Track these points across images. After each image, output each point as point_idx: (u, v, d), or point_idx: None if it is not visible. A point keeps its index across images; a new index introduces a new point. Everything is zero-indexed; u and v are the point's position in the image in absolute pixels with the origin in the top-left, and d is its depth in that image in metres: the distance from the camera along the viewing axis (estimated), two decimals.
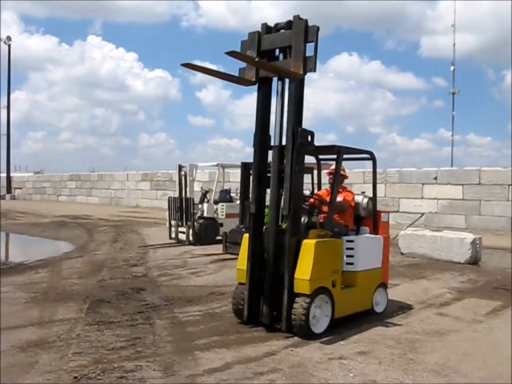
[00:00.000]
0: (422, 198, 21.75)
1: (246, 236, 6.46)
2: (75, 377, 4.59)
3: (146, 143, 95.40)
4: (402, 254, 12.72)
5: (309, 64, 5.97)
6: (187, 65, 5.66)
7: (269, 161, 6.42)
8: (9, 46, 47.03)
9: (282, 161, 6.14)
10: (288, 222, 6.03)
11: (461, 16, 62.98)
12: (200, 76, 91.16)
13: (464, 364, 5.22)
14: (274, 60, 6.41)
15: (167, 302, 7.60)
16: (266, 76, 6.31)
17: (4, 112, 48.61)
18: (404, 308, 7.52)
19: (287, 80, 6.24)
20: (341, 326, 6.30)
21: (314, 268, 5.91)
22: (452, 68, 40.87)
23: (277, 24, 6.39)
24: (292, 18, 6.15)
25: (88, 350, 5.36)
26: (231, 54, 5.37)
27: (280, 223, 6.27)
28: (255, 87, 6.39)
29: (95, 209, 31.37)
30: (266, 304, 6.13)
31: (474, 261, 11.84)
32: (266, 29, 6.40)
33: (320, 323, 6.07)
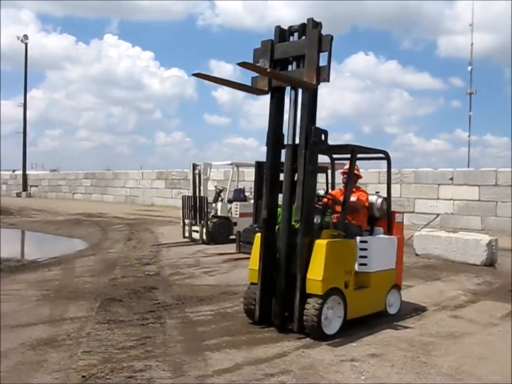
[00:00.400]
0: (438, 198, 21.54)
1: (258, 235, 6.40)
2: (83, 377, 4.56)
3: (162, 142, 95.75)
4: (417, 255, 12.58)
5: (323, 74, 5.89)
6: (198, 75, 5.67)
7: (282, 160, 6.35)
8: (26, 44, 47.38)
9: (295, 160, 6.07)
10: (300, 222, 5.96)
11: (479, 15, 62.50)
12: (216, 74, 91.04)
13: (478, 367, 5.12)
14: (287, 69, 6.35)
15: (179, 301, 7.57)
16: (279, 85, 6.25)
17: (21, 110, 49.00)
18: (417, 309, 7.42)
19: (300, 89, 6.18)
20: (353, 328, 6.22)
21: (327, 268, 5.84)
22: (469, 68, 40.63)
23: (290, 27, 6.33)
24: (306, 21, 6.10)
25: (97, 349, 5.34)
26: (243, 65, 5.34)
27: (292, 223, 6.20)
28: None
29: (110, 207, 31.45)
30: (278, 304, 6.07)
31: (490, 263, 11.67)
32: (280, 32, 6.34)
33: (332, 324, 6.00)
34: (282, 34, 6.35)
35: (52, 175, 49.88)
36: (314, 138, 5.87)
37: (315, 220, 6.27)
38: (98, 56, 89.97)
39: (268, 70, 5.92)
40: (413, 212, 21.05)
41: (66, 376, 4.61)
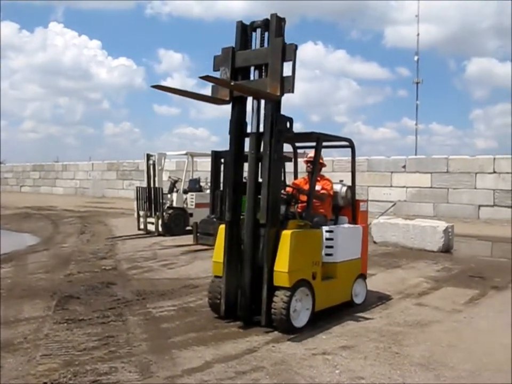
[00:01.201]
0: (391, 186, 21.86)
1: (222, 227, 6.21)
2: (44, 383, 4.28)
3: (111, 132, 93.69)
4: (375, 242, 12.63)
5: (287, 85, 5.68)
6: (157, 87, 5.47)
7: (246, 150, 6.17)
8: None
9: (260, 149, 5.89)
10: (266, 213, 5.78)
11: (425, 6, 63.44)
12: (165, 64, 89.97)
13: (449, 356, 5.08)
14: (249, 77, 6.15)
15: (139, 296, 7.30)
16: (240, 95, 6.03)
17: None
18: (382, 298, 7.39)
19: (263, 100, 6.01)
20: (321, 319, 6.12)
21: (294, 259, 5.70)
22: (415, 58, 41.08)
23: (253, 23, 6.11)
24: (268, 16, 5.93)
25: (57, 352, 5.04)
26: (206, 78, 5.15)
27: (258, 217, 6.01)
28: None
29: (59, 200, 30.67)
30: (244, 298, 5.89)
31: (446, 249, 11.85)
32: (242, 28, 6.11)
33: (300, 317, 5.87)
34: (244, 30, 6.13)
35: None
36: (279, 126, 5.70)
37: (280, 210, 6.11)
38: (43, 44, 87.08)
39: (232, 83, 5.69)
40: (366, 200, 21.18)
41: (26, 383, 4.32)
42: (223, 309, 6.05)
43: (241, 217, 6.11)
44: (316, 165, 6.35)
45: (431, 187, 20.70)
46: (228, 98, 6.00)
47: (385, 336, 5.66)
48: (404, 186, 21.42)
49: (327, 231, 6.45)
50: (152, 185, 14.60)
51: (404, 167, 21.52)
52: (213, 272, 6.39)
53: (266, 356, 4.99)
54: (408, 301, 7.27)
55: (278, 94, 5.67)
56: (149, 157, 14.76)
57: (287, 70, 5.73)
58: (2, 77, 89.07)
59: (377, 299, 7.32)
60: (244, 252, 5.94)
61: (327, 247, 6.43)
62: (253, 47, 6.14)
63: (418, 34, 39.91)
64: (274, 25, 5.84)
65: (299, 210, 6.59)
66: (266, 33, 6.00)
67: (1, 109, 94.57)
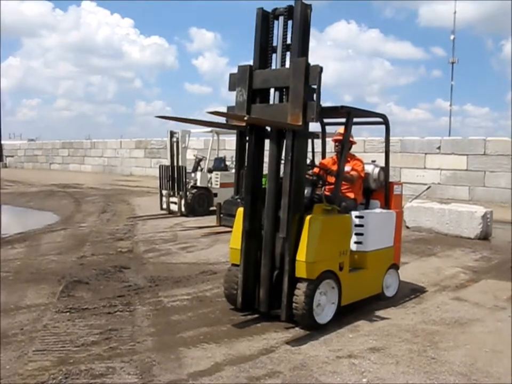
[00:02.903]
0: (425, 168, 20.95)
1: (241, 209, 5.62)
2: None
3: (142, 111, 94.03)
4: (407, 227, 11.90)
5: (310, 113, 5.02)
6: (162, 117, 5.10)
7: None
8: None
9: None
10: (289, 195, 5.16)
11: None
12: (197, 43, 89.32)
13: (494, 364, 4.42)
14: (268, 100, 5.47)
15: (152, 283, 6.80)
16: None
17: None
18: (416, 291, 6.74)
19: None
20: (348, 314, 5.53)
21: (320, 248, 5.10)
22: (452, 37, 39.71)
23: (275, 10, 5.42)
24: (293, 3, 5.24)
25: (53, 347, 4.56)
26: (215, 113, 4.58)
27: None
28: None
29: (87, 177, 30.48)
30: (264, 289, 5.29)
31: (484, 236, 11.06)
32: (262, 16, 5.41)
33: (325, 312, 5.28)
34: (266, 18, 5.44)
35: (28, 144, 48.44)
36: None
37: (305, 193, 5.50)
38: (76, 23, 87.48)
39: (245, 118, 4.99)
40: (401, 183, 20.39)
41: None
42: (240, 301, 5.48)
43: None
44: (345, 143, 5.69)
45: (466, 170, 19.75)
46: (244, 124, 5.36)
47: (419, 336, 5.02)
48: (438, 169, 20.50)
49: (356, 217, 5.82)
50: (175, 163, 14.07)
51: (439, 148, 20.57)
52: (230, 259, 5.83)
53: (284, 357, 4.41)
54: (444, 295, 6.60)
55: (300, 123, 5.00)
56: (172, 134, 14.21)
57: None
58: (37, 56, 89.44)
59: (410, 291, 6.68)
60: (264, 239, 5.34)
61: (356, 234, 5.81)
62: (275, 36, 5.46)
63: (455, 12, 38.56)
64: (299, 13, 5.15)
65: (326, 193, 5.97)
66: (290, 21, 5.32)
67: (35, 87, 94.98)
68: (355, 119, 6.02)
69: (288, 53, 5.34)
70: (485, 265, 8.49)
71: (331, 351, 4.59)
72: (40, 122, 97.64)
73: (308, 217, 5.20)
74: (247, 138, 5.51)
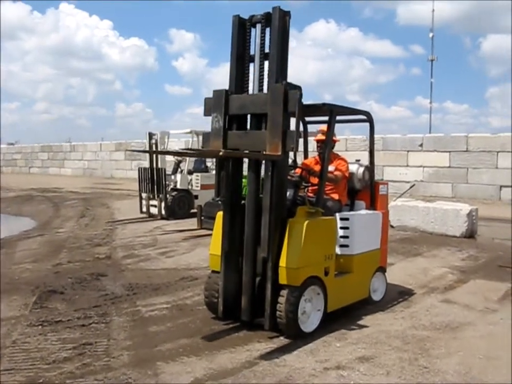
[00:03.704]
0: (407, 165, 20.88)
1: (220, 213, 5.36)
2: None
3: (123, 113, 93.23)
4: (392, 227, 11.68)
5: (289, 142, 4.74)
6: (132, 150, 4.67)
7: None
8: None
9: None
10: (270, 197, 4.91)
11: None
12: (176, 44, 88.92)
13: (490, 372, 4.21)
14: (245, 127, 5.19)
15: (130, 291, 6.52)
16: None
17: None
18: (404, 293, 6.53)
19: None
20: (334, 321, 5.29)
21: (304, 253, 4.85)
22: (430, 35, 39.93)
23: (252, 17, 5.15)
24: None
25: (22, 365, 4.26)
26: (188, 153, 4.34)
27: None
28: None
29: (67, 181, 30.03)
30: (246, 297, 5.04)
31: (470, 234, 10.92)
32: (239, 23, 5.13)
33: (310, 319, 5.04)
34: (243, 25, 5.17)
35: (7, 148, 47.65)
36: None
37: (287, 195, 5.25)
38: (55, 26, 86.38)
39: (221, 153, 4.73)
40: (381, 180, 20.25)
41: None
42: (221, 310, 5.22)
43: (243, 201, 5.25)
44: (328, 142, 5.46)
45: (449, 167, 19.70)
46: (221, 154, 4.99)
47: (410, 343, 4.80)
48: (420, 166, 20.42)
49: (341, 219, 5.59)
50: (154, 165, 13.76)
51: (421, 145, 20.49)
52: (210, 266, 5.57)
53: (268, 371, 4.16)
54: (433, 297, 6.40)
55: (279, 153, 4.71)
56: (151, 136, 13.90)
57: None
58: (15, 59, 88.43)
59: (398, 294, 6.46)
60: (245, 243, 5.09)
61: (341, 237, 5.58)
62: (252, 45, 5.18)
63: (433, 11, 38.75)
64: (277, 20, 4.89)
65: (310, 194, 5.74)
66: (268, 29, 5.06)
67: (15, 90, 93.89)
68: (338, 117, 5.81)
69: (266, 62, 5.06)
70: (472, 265, 8.32)
71: (318, 362, 4.35)
72: (21, 126, 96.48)
73: (290, 220, 4.97)
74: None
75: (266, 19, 5.03)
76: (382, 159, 20.94)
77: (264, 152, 4.82)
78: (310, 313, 5.04)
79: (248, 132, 5.13)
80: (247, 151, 5.06)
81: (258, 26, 5.12)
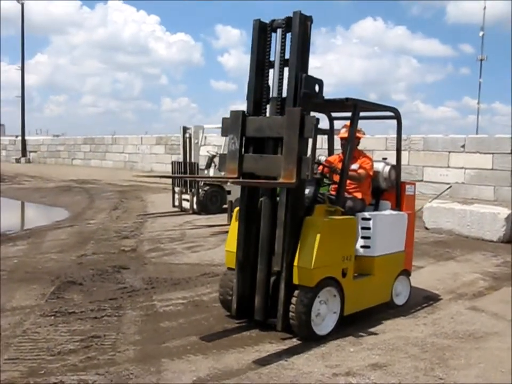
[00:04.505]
0: (448, 167, 20.26)
1: (237, 209, 5.24)
2: None
3: (168, 107, 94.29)
4: (426, 229, 11.39)
5: (304, 170, 4.55)
6: (140, 176, 4.63)
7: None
8: (22, 5, 45.44)
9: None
10: (286, 193, 4.75)
11: None
12: (222, 40, 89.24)
13: None
14: (263, 150, 4.99)
15: (149, 285, 6.46)
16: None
17: (19, 74, 47.31)
18: (429, 299, 6.26)
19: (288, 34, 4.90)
20: (352, 324, 5.09)
21: (320, 253, 4.66)
22: (481, 33, 38.79)
23: (272, 22, 4.97)
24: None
25: (27, 355, 4.23)
26: (202, 178, 4.23)
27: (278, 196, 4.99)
28: None
29: (107, 173, 30.34)
30: (259, 296, 4.90)
31: (508, 240, 10.46)
32: (259, 27, 4.96)
33: (325, 322, 4.86)
34: (263, 30, 4.99)
35: (51, 140, 48.57)
36: (305, 89, 4.64)
37: (307, 192, 5.08)
38: (103, 20, 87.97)
39: (231, 181, 4.71)
40: (421, 181, 19.75)
41: None
42: (235, 308, 5.09)
43: (261, 199, 5.10)
44: (351, 138, 5.26)
45: (492, 169, 19.02)
46: (236, 175, 4.94)
47: (428, 351, 4.56)
48: (462, 168, 19.80)
49: (363, 219, 5.38)
50: (188, 160, 13.72)
51: (463, 146, 19.88)
52: (225, 263, 5.45)
53: (275, 373, 4.00)
54: (460, 304, 6.12)
55: (293, 180, 4.53)
56: (185, 130, 13.87)
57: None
58: (64, 53, 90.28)
59: (423, 299, 6.20)
60: (261, 241, 4.94)
61: (363, 237, 5.37)
62: (273, 50, 5.02)
63: (485, 8, 37.55)
64: (297, 26, 4.72)
65: (332, 192, 5.55)
66: (288, 34, 4.88)
67: (62, 83, 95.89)
68: (365, 114, 5.61)
69: (286, 68, 4.88)
70: (506, 271, 7.94)
71: (328, 367, 4.16)
72: (67, 119, 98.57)
73: (307, 219, 4.80)
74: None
75: (287, 24, 4.85)
76: (423, 160, 20.45)
77: (278, 181, 4.68)
78: (325, 316, 4.86)
79: (263, 156, 4.96)
80: (259, 180, 4.95)
81: (279, 31, 4.95)
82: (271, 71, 5.03)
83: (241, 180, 4.96)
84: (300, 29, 4.72)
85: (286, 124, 4.64)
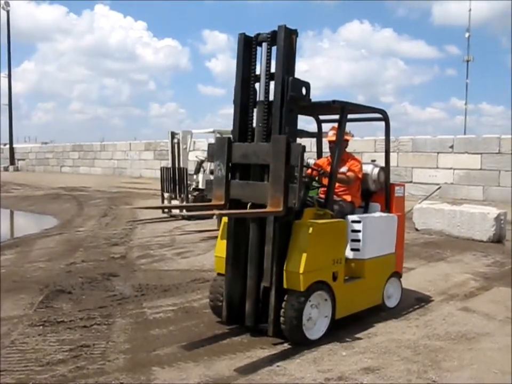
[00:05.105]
0: (437, 167, 20.35)
1: (225, 218, 5.21)
2: None
3: (157, 113, 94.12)
4: (417, 230, 11.41)
5: (291, 198, 4.52)
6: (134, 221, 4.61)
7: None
8: (8, 12, 45.29)
9: (269, 121, 4.82)
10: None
11: None
12: (210, 44, 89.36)
13: None
14: (249, 177, 4.99)
15: (139, 292, 6.40)
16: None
17: (6, 82, 47.08)
18: (421, 300, 6.25)
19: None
20: (343, 328, 5.06)
21: (310, 257, 4.64)
22: (466, 35, 39.11)
23: (258, 36, 4.94)
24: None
25: (15, 366, 4.16)
26: (186, 213, 4.24)
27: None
28: None
29: (96, 180, 30.20)
30: (250, 301, 4.86)
31: (498, 239, 10.51)
32: (245, 41, 4.94)
33: (317, 326, 4.83)
34: (248, 43, 4.96)
35: (39, 148, 48.31)
36: (292, 92, 4.61)
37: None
38: (90, 27, 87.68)
39: (216, 213, 4.75)
40: (411, 182, 19.84)
41: None
42: (225, 314, 5.05)
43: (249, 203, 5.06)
44: (339, 141, 5.24)
45: (480, 169, 19.13)
46: (223, 202, 4.93)
47: (420, 354, 4.54)
48: (451, 168, 19.90)
49: (353, 221, 5.36)
50: (177, 165, 13.67)
51: (452, 147, 19.97)
52: (215, 268, 5.41)
53: (266, 380, 3.96)
54: (452, 305, 6.11)
55: (280, 209, 4.50)
56: (173, 135, 13.85)
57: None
58: (51, 60, 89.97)
59: (415, 301, 6.19)
60: (250, 246, 4.91)
61: (353, 240, 5.35)
62: (258, 65, 4.98)
63: (470, 10, 37.88)
64: (282, 39, 4.68)
65: (322, 196, 5.52)
66: (274, 48, 4.85)
67: (50, 90, 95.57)
68: (353, 116, 5.59)
69: (272, 82, 4.85)
70: (497, 271, 7.97)
71: (320, 371, 4.13)
72: (55, 126, 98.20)
73: (297, 223, 4.77)
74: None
75: (272, 38, 4.82)
76: (412, 161, 20.55)
77: (265, 210, 4.64)
78: (317, 320, 4.82)
79: (250, 183, 4.95)
80: (245, 209, 4.94)
81: (264, 45, 4.92)
82: (257, 84, 5.00)
83: (227, 211, 4.93)
84: (285, 42, 4.69)
85: (272, 151, 4.61)
